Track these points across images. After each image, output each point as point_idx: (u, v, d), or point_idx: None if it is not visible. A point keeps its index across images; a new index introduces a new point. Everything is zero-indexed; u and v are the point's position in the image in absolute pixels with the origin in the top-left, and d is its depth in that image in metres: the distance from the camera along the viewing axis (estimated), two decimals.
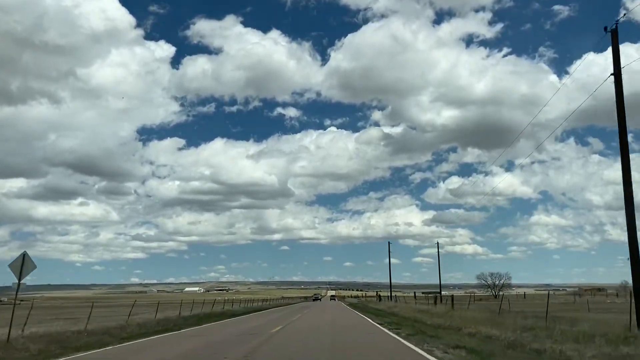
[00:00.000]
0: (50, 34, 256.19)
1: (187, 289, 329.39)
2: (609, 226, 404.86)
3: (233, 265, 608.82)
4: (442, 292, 56.35)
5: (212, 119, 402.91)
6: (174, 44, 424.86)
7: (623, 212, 15.03)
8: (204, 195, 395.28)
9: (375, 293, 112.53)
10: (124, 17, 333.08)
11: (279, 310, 44.95)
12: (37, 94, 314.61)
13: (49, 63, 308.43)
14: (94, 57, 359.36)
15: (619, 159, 15.27)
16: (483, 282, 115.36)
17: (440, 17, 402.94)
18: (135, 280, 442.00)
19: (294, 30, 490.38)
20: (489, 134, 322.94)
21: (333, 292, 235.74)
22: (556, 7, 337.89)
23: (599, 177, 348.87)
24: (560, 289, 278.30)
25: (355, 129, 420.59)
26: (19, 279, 16.11)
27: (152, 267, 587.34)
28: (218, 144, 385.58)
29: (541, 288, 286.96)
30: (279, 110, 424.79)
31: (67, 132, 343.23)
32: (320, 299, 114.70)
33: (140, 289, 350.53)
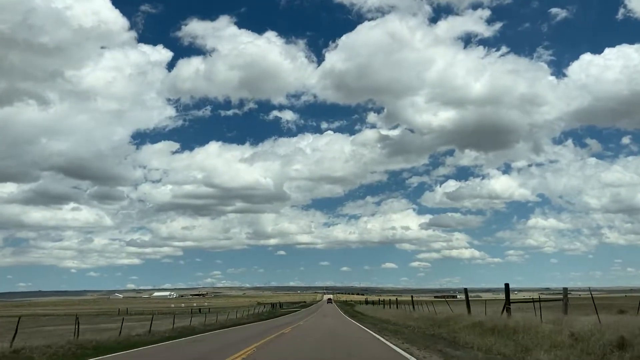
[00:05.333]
0: (39, 35, 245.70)
1: (155, 293, 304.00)
2: (606, 229, 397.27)
3: (229, 271, 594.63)
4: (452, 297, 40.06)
5: (206, 122, 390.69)
6: (167, 46, 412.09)
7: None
8: (198, 199, 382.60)
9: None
10: (117, 19, 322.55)
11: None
12: (25, 95, 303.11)
13: (39, 64, 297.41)
14: (85, 59, 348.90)
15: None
16: None
17: (437, 14, 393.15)
18: (131, 286, 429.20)
19: (289, 31, 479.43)
20: (487, 135, 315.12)
21: (330, 296, 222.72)
22: (554, 10, 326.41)
23: (596, 180, 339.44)
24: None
25: (352, 132, 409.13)
26: None
27: (148, 273, 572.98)
28: (213, 147, 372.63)
29: (543, 292, 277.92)
30: (275, 113, 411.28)
31: (58, 136, 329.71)
32: None
33: (135, 294, 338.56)
